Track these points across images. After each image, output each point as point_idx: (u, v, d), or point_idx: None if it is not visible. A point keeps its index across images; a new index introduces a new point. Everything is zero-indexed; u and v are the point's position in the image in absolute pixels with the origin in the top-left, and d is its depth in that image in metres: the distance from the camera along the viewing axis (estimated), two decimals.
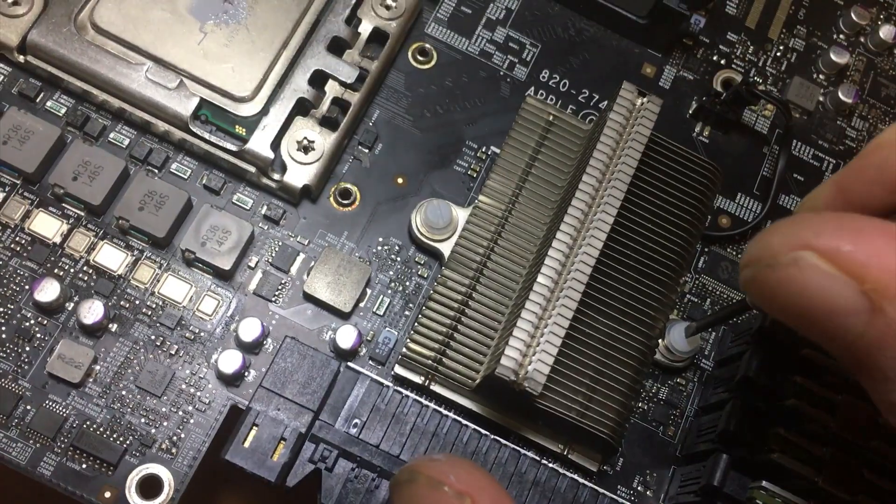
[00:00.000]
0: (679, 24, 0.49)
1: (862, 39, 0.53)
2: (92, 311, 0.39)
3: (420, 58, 0.48)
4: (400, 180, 0.45)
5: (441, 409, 0.40)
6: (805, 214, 0.27)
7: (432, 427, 0.39)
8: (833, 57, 0.51)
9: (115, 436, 0.39)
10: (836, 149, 0.50)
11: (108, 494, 0.38)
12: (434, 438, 0.39)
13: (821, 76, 0.52)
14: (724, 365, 0.44)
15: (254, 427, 0.38)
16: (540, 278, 0.38)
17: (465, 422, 0.40)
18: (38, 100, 0.43)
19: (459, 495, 0.30)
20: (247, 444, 0.37)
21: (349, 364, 0.40)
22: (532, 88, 0.48)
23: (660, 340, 0.43)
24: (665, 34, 0.50)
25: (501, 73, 0.48)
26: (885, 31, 0.52)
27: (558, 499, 0.39)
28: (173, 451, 0.39)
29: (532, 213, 0.43)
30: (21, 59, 0.43)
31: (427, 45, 0.48)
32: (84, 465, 0.39)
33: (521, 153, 0.44)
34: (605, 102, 0.49)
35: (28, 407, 0.39)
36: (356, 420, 0.38)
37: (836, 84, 0.51)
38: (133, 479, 0.39)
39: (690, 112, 0.49)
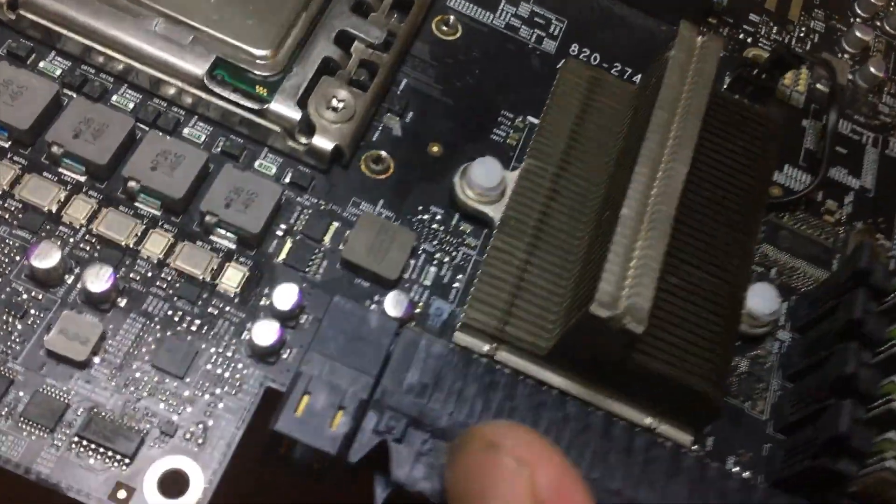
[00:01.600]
0: (705, 2, 0.48)
1: (878, 23, 0.52)
2: (100, 277, 0.33)
3: (445, 28, 0.45)
4: (435, 149, 0.41)
5: (516, 371, 0.35)
6: None
7: (508, 392, 0.33)
8: (858, 34, 0.50)
9: (130, 423, 0.32)
10: (872, 123, 0.49)
11: (122, 494, 0.31)
12: (509, 403, 0.33)
13: (845, 56, 0.50)
14: (804, 331, 0.40)
15: (306, 395, 0.31)
16: (624, 210, 0.34)
17: (545, 384, 0.34)
18: (29, 61, 0.38)
19: (518, 461, 0.25)
20: (299, 414, 0.31)
21: (408, 326, 0.35)
22: (563, 63, 0.45)
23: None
24: (690, 10, 0.48)
25: (530, 47, 0.46)
26: None
27: (658, 468, 0.33)
28: (200, 440, 0.33)
29: (585, 169, 0.39)
30: (12, 15, 0.38)
31: (451, 17, 0.45)
32: (92, 460, 0.32)
33: (566, 113, 0.41)
34: (640, 76, 0.46)
35: (21, 393, 0.32)
36: (422, 385, 0.33)
37: (860, 63, 0.50)
38: (153, 474, 0.32)
39: (726, 85, 0.47)
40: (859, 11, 0.52)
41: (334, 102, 0.39)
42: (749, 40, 0.49)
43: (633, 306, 0.31)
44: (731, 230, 0.37)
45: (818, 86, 0.49)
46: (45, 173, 0.36)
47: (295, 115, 0.38)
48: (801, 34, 0.50)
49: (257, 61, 0.39)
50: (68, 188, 0.36)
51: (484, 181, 0.39)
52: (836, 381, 0.35)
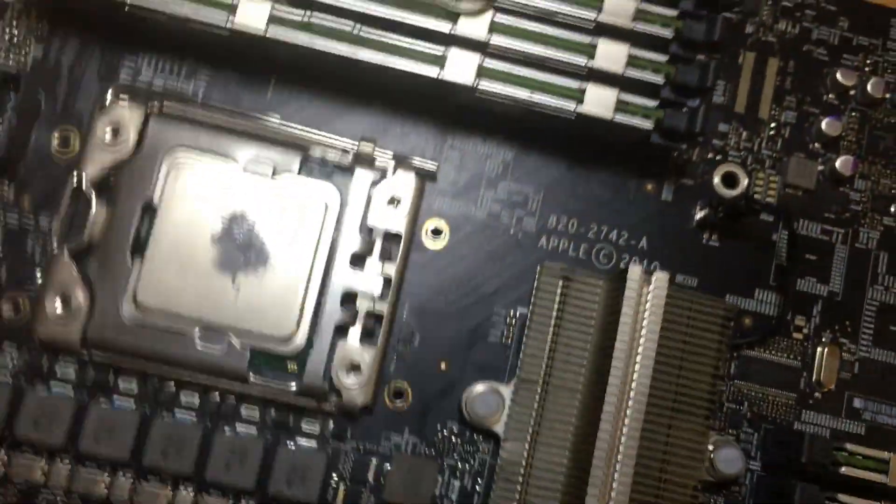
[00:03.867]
0: (670, 152, 0.51)
1: (852, 93, 0.54)
2: None
3: (434, 236, 0.50)
4: (443, 366, 0.49)
5: None
6: None
7: None
8: (824, 129, 0.52)
9: None
10: (842, 217, 0.52)
11: None
12: None
13: (817, 145, 0.53)
14: (772, 469, 0.49)
15: None
16: (597, 451, 0.42)
17: None
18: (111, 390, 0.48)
19: None
20: None
21: None
22: (543, 238, 0.51)
23: (711, 460, 0.47)
24: (654, 168, 0.52)
25: (512, 233, 0.51)
26: (872, 86, 0.53)
27: None
28: None
29: (572, 371, 0.47)
30: (85, 353, 0.47)
31: (440, 223, 0.50)
32: None
33: (546, 318, 0.48)
34: (615, 234, 0.51)
35: None
36: None
37: (833, 148, 0.53)
38: None
39: (695, 222, 0.52)
40: (831, 90, 0.53)
41: (352, 366, 0.47)
42: (719, 157, 0.52)
43: None
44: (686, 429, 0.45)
45: (788, 190, 0.52)
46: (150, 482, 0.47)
47: (323, 386, 0.47)
48: (772, 132, 0.53)
49: (284, 342, 0.47)
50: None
51: (483, 412, 0.47)
52: None
